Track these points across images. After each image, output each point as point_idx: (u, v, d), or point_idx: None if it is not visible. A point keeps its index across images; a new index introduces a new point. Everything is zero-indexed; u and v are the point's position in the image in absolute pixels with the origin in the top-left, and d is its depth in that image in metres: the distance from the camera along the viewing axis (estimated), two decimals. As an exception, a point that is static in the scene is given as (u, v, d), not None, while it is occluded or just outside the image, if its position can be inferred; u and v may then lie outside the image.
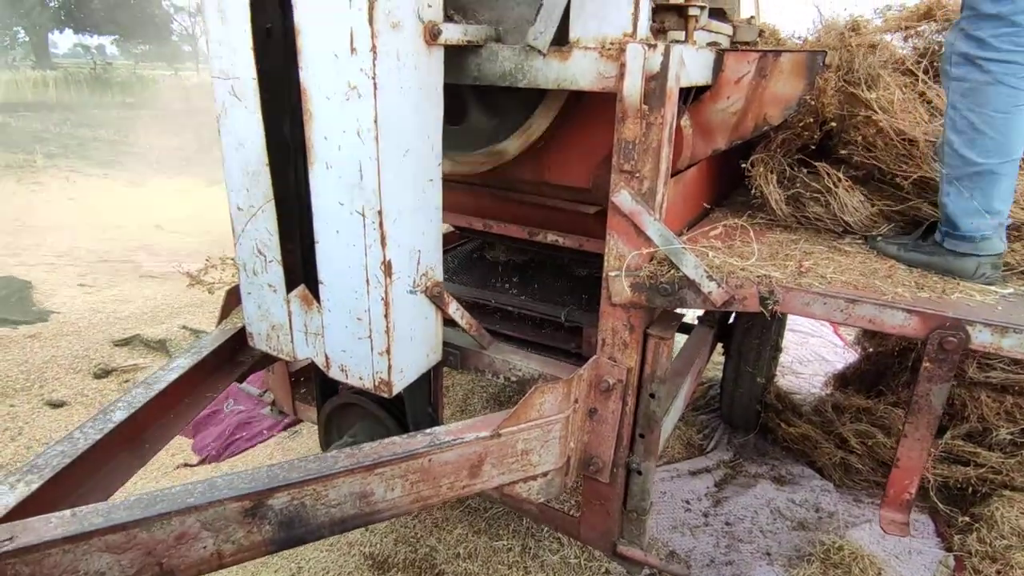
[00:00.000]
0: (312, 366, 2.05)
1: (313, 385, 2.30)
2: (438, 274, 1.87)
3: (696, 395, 3.75)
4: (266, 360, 2.22)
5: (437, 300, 1.86)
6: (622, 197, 1.69)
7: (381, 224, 1.60)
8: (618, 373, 1.85)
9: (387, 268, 1.65)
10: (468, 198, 2.60)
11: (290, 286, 1.86)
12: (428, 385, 2.10)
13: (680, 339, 3.41)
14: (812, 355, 4.27)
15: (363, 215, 1.61)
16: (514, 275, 2.88)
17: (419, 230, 1.74)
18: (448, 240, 3.25)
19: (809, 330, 4.67)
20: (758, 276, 1.68)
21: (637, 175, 1.66)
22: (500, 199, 2.49)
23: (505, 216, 2.56)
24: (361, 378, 1.81)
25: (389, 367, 1.75)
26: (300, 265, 1.84)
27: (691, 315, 4.11)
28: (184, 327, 4.31)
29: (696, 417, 3.57)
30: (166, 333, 4.22)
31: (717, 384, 3.78)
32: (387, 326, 1.70)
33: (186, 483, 1.40)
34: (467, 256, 3.15)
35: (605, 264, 1.79)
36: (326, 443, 2.32)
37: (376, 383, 1.79)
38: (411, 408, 2.04)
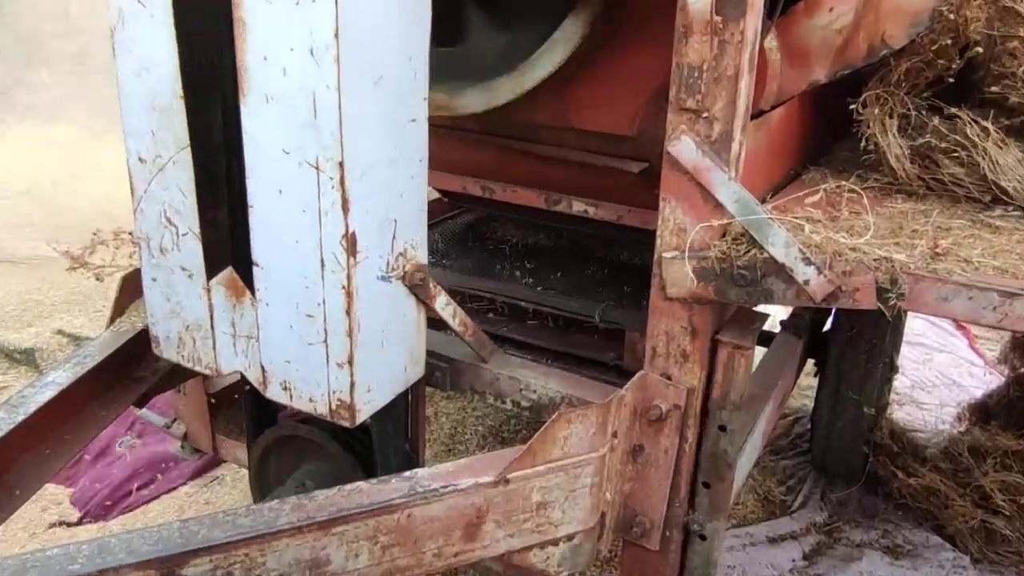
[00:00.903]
0: (242, 384, 2.05)
1: (243, 411, 2.27)
2: (421, 255, 1.86)
3: (777, 431, 3.76)
4: (176, 376, 2.22)
5: (420, 291, 1.86)
6: (683, 146, 1.69)
7: (342, 181, 1.58)
8: (674, 396, 1.86)
9: (350, 244, 1.63)
10: (462, 151, 2.61)
11: (212, 270, 1.85)
12: (405, 411, 2.10)
13: (757, 353, 3.41)
14: (939, 378, 4.25)
15: (317, 168, 1.59)
16: (527, 259, 2.90)
17: (396, 191, 1.73)
18: (435, 211, 3.27)
19: (935, 343, 4.65)
20: (875, 259, 1.67)
21: (705, 116, 1.66)
22: (507, 153, 2.51)
23: (514, 177, 2.58)
24: (312, 400, 1.80)
25: (352, 385, 1.75)
26: (227, 240, 1.83)
27: (769, 322, 4.10)
28: (60, 332, 4.31)
29: (777, 463, 3.58)
30: (35, 340, 4.21)
31: (806, 416, 3.78)
32: (349, 326, 1.69)
33: (67, 544, 1.38)
34: (462, 232, 3.16)
35: (657, 242, 1.79)
36: (261, 493, 2.33)
37: (333, 407, 1.78)
38: (381, 443, 2.04)
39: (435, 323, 2.12)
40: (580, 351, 2.44)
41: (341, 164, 1.57)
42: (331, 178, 1.59)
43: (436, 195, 3.17)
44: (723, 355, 1.84)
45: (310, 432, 2.13)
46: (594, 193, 2.45)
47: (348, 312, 1.68)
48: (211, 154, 1.78)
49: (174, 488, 3.35)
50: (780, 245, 1.67)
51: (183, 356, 1.98)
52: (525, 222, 3.05)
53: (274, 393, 1.86)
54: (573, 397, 2.06)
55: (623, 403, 1.81)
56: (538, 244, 3.04)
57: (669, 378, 1.87)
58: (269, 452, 2.27)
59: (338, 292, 1.67)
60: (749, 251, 1.71)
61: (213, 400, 2.67)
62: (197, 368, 1.98)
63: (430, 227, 3.54)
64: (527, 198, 2.54)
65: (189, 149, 1.77)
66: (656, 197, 1.77)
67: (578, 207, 2.46)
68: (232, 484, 3.38)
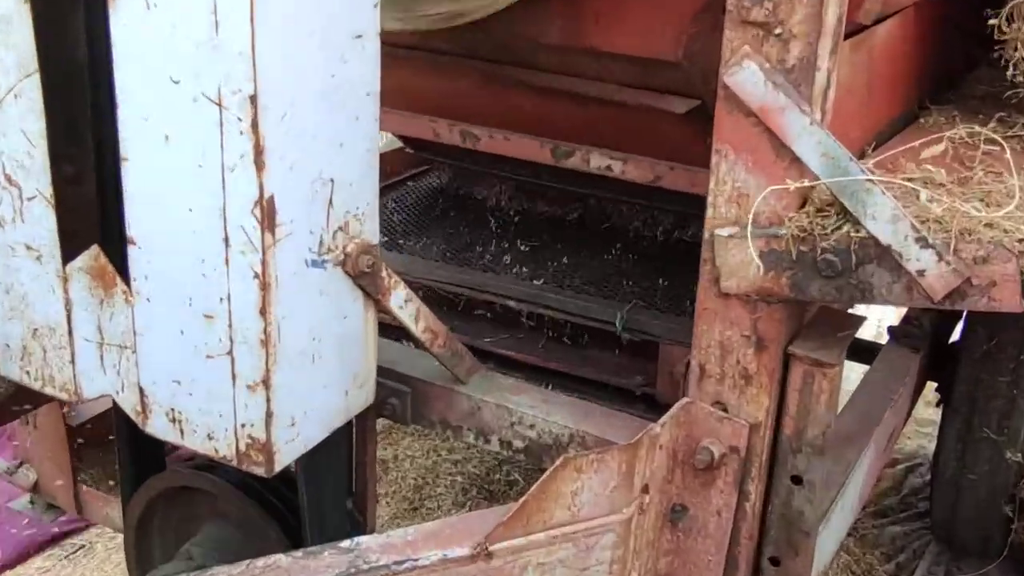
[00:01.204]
0: (113, 415, 2.04)
1: (116, 453, 2.26)
2: (370, 231, 1.87)
3: (882, 485, 3.76)
4: (20, 401, 2.22)
5: (368, 283, 1.86)
6: (746, 77, 1.68)
7: (255, 123, 1.58)
8: (731, 434, 1.86)
9: (266, 214, 1.63)
10: (431, 82, 2.63)
11: (70, 250, 1.86)
12: (348, 455, 2.08)
13: (852, 373, 3.40)
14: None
15: (219, 104, 1.59)
16: (523, 238, 2.91)
17: (334, 137, 1.73)
18: (393, 167, 3.27)
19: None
20: (1021, 240, 1.65)
21: (777, 33, 1.65)
22: (496, 85, 2.52)
23: (507, 119, 2.59)
24: (211, 438, 1.81)
25: (268, 416, 1.75)
26: (92, 207, 1.83)
27: (871, 326, 4.10)
28: None
29: (882, 530, 3.57)
30: None
31: (925, 464, 3.77)
32: (265, 331, 1.69)
33: None
34: (430, 199, 3.18)
35: (708, 213, 1.79)
36: (140, 570, 2.33)
37: (242, 448, 1.79)
38: (313, 499, 2.04)
39: (390, 329, 2.10)
40: (595, 373, 2.46)
41: (253, 98, 1.56)
42: (239, 119, 1.58)
43: (395, 145, 3.17)
44: (800, 376, 1.83)
45: (210, 483, 2.12)
46: (621, 143, 2.44)
47: (263, 311, 1.68)
48: (70, 84, 1.77)
49: (20, 562, 3.34)
50: (885, 219, 1.66)
51: (29, 373, 1.97)
52: (521, 184, 3.05)
53: (158, 427, 1.85)
54: (586, 435, 2.06)
55: (657, 444, 1.80)
56: (539, 217, 3.06)
57: (724, 408, 1.86)
58: (153, 511, 2.26)
59: (249, 283, 1.67)
60: (840, 227, 1.70)
61: (76, 439, 2.66)
62: (49, 390, 1.97)
63: (385, 191, 3.48)
64: (525, 149, 2.55)
65: (38, 76, 1.76)
66: (708, 149, 1.76)
67: (598, 162, 2.46)
68: (104, 556, 3.37)
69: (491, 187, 3.15)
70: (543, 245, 2.86)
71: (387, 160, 3.32)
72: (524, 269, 2.73)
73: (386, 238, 2.93)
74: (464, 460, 3.69)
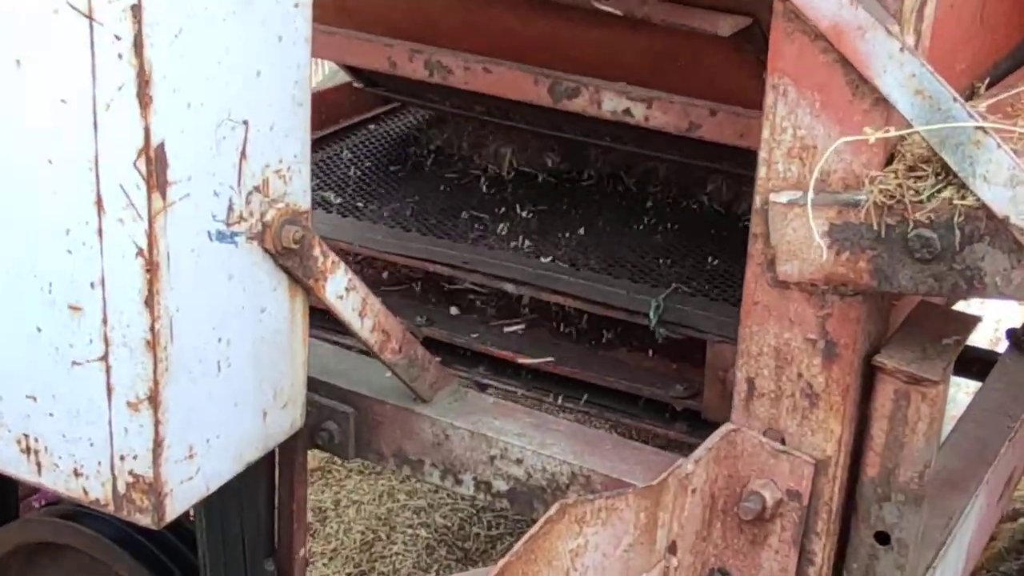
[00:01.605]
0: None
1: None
2: (297, 192, 1.87)
3: (996, 543, 3.79)
4: None
5: (294, 263, 1.86)
6: (815, -15, 1.67)
7: (139, 42, 1.56)
8: (789, 473, 1.86)
9: (154, 166, 1.61)
10: None
11: None
12: (267, 500, 2.10)
13: (960, 392, 3.42)
14: None
15: (89, 17, 1.56)
16: (524, 202, 2.96)
17: (246, 65, 1.72)
18: (339, 108, 3.31)
19: None
20: None
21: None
22: None
23: (488, 43, 2.61)
24: (80, 474, 1.80)
25: (156, 443, 1.74)
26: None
27: (985, 329, 4.09)
28: None
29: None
30: None
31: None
32: (152, 328, 1.68)
33: None
34: (398, 150, 3.22)
35: (760, 172, 1.79)
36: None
37: (120, 489, 1.78)
38: (216, 560, 2.05)
39: (326, 325, 2.11)
40: (621, 380, 2.46)
41: (136, 8, 1.55)
42: (116, 36, 1.56)
43: (339, 76, 3.15)
44: (889, 396, 1.82)
45: (78, 538, 2.12)
46: (647, 77, 2.45)
47: (149, 302, 1.67)
48: None
49: None
50: (1001, 181, 1.64)
51: None
52: (519, 132, 3.06)
53: (6, 459, 1.85)
54: (592, 473, 2.05)
55: (689, 487, 1.81)
56: (544, 175, 3.08)
57: (781, 439, 1.86)
58: (6, 572, 2.26)
59: (130, 262, 1.66)
60: (939, 192, 1.69)
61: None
62: None
63: (337, 136, 3.46)
64: (513, 85, 2.56)
65: None
66: (762, 86, 1.76)
67: (612, 104, 2.47)
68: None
69: (479, 135, 3.15)
70: (550, 212, 2.86)
71: (339, 97, 3.31)
72: (526, 243, 2.72)
73: (339, 199, 2.94)
74: (430, 508, 3.68)
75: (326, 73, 3.71)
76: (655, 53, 2.37)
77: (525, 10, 2.44)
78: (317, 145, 3.13)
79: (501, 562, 1.65)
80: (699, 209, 2.88)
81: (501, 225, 2.79)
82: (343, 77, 3.24)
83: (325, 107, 3.15)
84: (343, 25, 2.65)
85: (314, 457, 3.31)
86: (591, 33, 2.40)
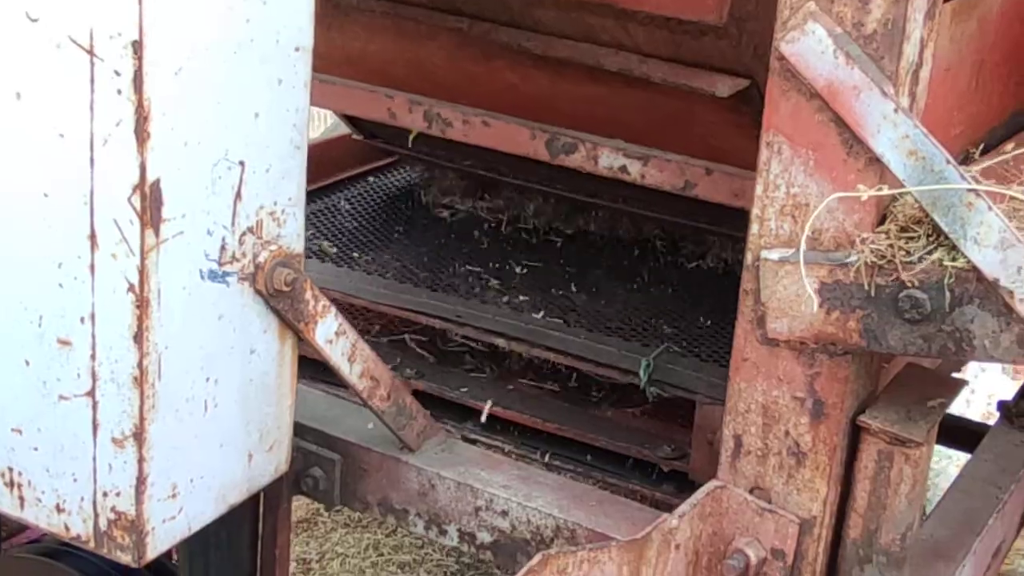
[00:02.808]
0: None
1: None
2: (291, 235, 1.88)
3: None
4: None
5: (286, 306, 1.87)
6: (810, 43, 1.68)
7: (139, 79, 1.57)
8: (774, 532, 1.85)
9: (149, 203, 1.62)
10: (389, 44, 2.65)
11: None
12: (250, 545, 2.10)
13: (950, 465, 3.41)
14: None
15: (90, 52, 1.57)
16: (518, 257, 2.95)
17: (245, 106, 1.73)
18: (345, 156, 3.33)
19: None
20: None
21: (852, -12, 1.67)
22: (474, 50, 2.54)
23: (487, 98, 2.62)
24: (62, 510, 1.80)
25: (140, 481, 1.73)
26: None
27: (978, 400, 4.08)
28: None
29: None
30: None
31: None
32: (140, 364, 1.68)
33: None
34: (395, 202, 3.23)
35: (752, 229, 1.80)
36: None
37: (102, 526, 1.77)
38: None
39: (317, 372, 2.10)
40: (609, 439, 2.45)
41: (137, 45, 1.56)
42: (116, 72, 1.57)
43: (338, 127, 3.16)
44: (873, 456, 1.82)
45: (57, 575, 2.12)
46: (643, 135, 2.46)
47: (139, 338, 1.67)
48: None
49: None
50: (992, 244, 1.64)
51: None
52: (515, 187, 3.07)
53: (-11, 496, 1.85)
54: (577, 527, 2.04)
55: (672, 543, 1.80)
56: (539, 230, 3.07)
57: (767, 497, 1.85)
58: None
59: (121, 297, 1.66)
60: (930, 253, 1.69)
61: None
62: None
63: (337, 187, 3.47)
64: (510, 139, 2.56)
65: None
66: (757, 144, 1.76)
67: (609, 161, 2.47)
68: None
69: (476, 189, 3.16)
70: (544, 267, 2.87)
71: (339, 149, 3.32)
72: (519, 298, 2.73)
73: (335, 249, 2.94)
74: (415, 563, 3.65)
75: (328, 125, 3.73)
76: (653, 111, 2.38)
77: (525, 66, 2.46)
78: (316, 195, 3.15)
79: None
80: (694, 268, 2.89)
81: (493, 280, 2.79)
82: (343, 129, 3.26)
83: (325, 158, 3.16)
84: (345, 76, 2.67)
85: (300, 508, 3.29)
86: (590, 89, 2.42)
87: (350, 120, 3.04)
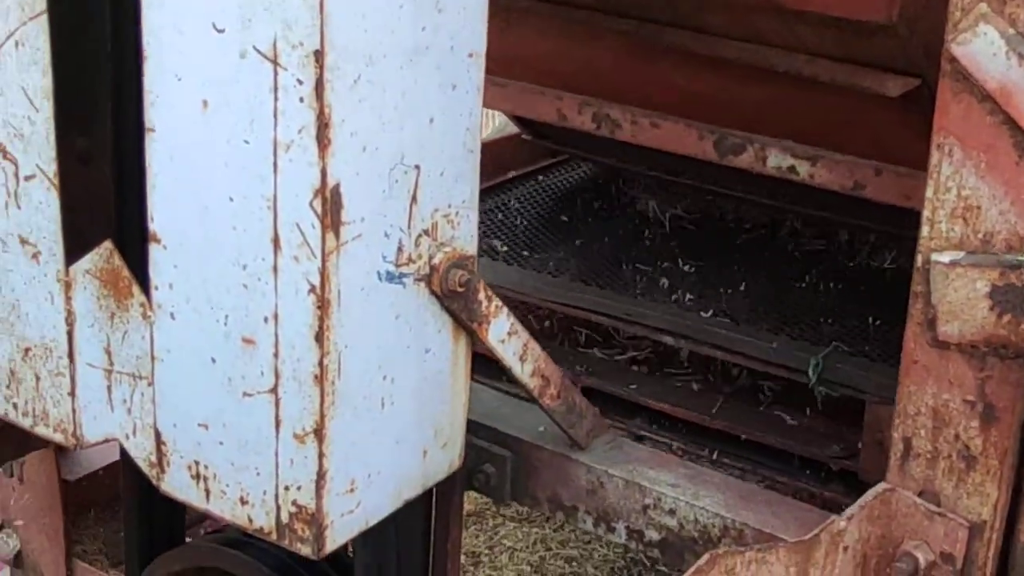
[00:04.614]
0: (121, 467, 2.08)
1: (122, 519, 2.30)
2: (465, 237, 1.89)
3: None
4: (3, 444, 2.27)
5: (460, 306, 1.88)
6: (982, 45, 1.66)
7: (320, 86, 1.59)
8: (943, 536, 1.82)
9: (329, 207, 1.64)
10: (559, 47, 2.65)
11: (76, 246, 1.88)
12: (423, 538, 2.10)
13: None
14: None
15: (274, 61, 1.61)
16: (687, 256, 2.94)
17: (421, 111, 1.75)
18: (514, 156, 3.36)
19: None
20: None
21: (1032, -14, 1.63)
22: (643, 53, 2.52)
23: (656, 99, 2.60)
24: (245, 502, 1.83)
25: (320, 476, 1.75)
26: (106, 192, 1.86)
27: None
28: None
29: None
30: None
31: None
32: (320, 363, 1.70)
33: None
34: (565, 202, 3.26)
35: (923, 231, 1.77)
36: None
37: (283, 519, 1.80)
38: None
39: (486, 369, 2.12)
40: (778, 438, 2.44)
41: (319, 55, 1.58)
42: (299, 81, 1.60)
43: (506, 125, 3.17)
44: (1049, 462, 1.77)
45: (238, 565, 2.13)
46: (811, 135, 2.44)
47: (320, 337, 1.69)
48: (84, 31, 1.80)
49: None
50: None
51: (16, 406, 2.00)
52: (685, 187, 3.07)
53: (176, 485, 1.87)
54: (745, 527, 2.04)
55: (840, 544, 1.78)
56: (708, 229, 3.07)
57: (936, 500, 1.83)
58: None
59: (303, 299, 1.68)
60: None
61: (74, 496, 2.69)
62: (41, 430, 2.00)
63: (505, 187, 3.49)
64: (678, 140, 2.56)
65: (45, 18, 1.79)
66: (929, 146, 1.74)
67: (777, 161, 2.46)
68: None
69: (645, 189, 3.16)
70: (713, 266, 2.86)
71: (508, 148, 3.35)
72: (687, 296, 2.72)
73: (505, 247, 2.97)
74: (582, 558, 3.65)
75: (496, 125, 3.75)
76: (821, 112, 2.36)
77: (693, 67, 2.45)
78: (486, 194, 3.15)
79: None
80: (861, 269, 2.86)
81: (663, 279, 2.79)
82: (512, 129, 3.27)
83: (494, 157, 3.17)
84: (515, 77, 2.67)
85: (469, 501, 3.32)
86: (757, 90, 2.41)
87: (520, 121, 3.06)
